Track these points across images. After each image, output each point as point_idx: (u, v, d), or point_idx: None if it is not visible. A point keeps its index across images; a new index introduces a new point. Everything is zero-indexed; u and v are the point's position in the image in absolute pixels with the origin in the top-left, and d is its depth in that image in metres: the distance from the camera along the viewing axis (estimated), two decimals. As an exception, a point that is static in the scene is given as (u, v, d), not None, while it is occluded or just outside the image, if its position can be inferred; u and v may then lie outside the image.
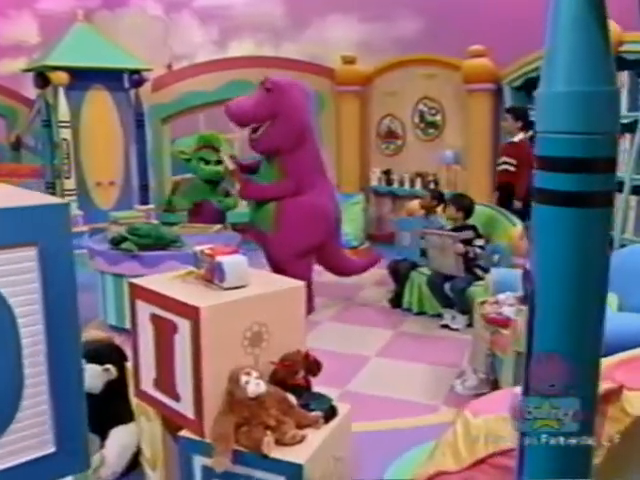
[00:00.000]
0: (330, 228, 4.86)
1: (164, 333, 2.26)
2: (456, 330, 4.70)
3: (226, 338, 2.17)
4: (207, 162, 5.87)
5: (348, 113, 7.66)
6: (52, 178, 7.06)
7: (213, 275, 2.31)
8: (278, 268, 4.63)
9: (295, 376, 2.31)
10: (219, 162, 5.80)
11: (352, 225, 7.11)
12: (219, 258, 2.30)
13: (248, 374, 2.13)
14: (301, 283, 2.43)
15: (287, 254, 4.70)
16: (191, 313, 2.12)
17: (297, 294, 2.42)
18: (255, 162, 5.03)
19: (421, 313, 5.07)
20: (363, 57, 7.57)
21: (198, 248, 2.43)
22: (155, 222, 6.55)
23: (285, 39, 8.30)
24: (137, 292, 2.41)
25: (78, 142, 6.81)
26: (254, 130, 4.63)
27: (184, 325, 2.16)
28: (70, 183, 6.68)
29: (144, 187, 7.29)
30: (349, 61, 7.54)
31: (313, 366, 2.36)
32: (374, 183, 7.64)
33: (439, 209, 5.41)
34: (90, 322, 4.83)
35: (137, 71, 7.03)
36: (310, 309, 4.80)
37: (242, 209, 7.34)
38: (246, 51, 8.24)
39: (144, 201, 7.20)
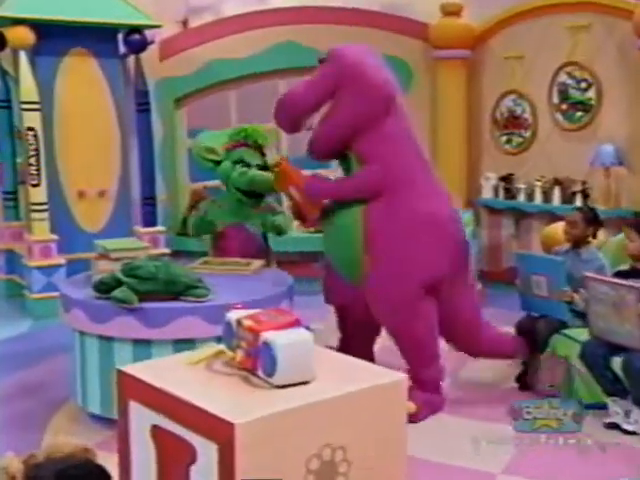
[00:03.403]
0: (456, 252, 4.69)
1: (174, 460, 2.16)
2: (633, 434, 4.45)
3: (278, 472, 2.05)
4: (247, 166, 5.66)
5: (449, 90, 7.65)
6: (13, 185, 7.06)
7: (256, 362, 2.20)
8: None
9: (392, 538, 2.16)
10: (263, 168, 5.60)
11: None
12: (267, 335, 2.15)
13: (314, 537, 2.02)
14: (401, 376, 2.30)
15: (395, 296, 4.52)
16: (220, 431, 2.02)
17: (396, 394, 2.27)
18: None
19: (571, 402, 4.85)
20: (472, 6, 7.52)
21: (233, 315, 2.28)
22: (165, 251, 6.48)
23: (351, -20, 8.27)
24: (130, 387, 2.27)
25: (51, 132, 6.80)
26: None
27: (207, 450, 2.05)
28: (39, 193, 6.61)
29: (149, 200, 7.27)
30: (452, 12, 7.52)
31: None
32: (487, 195, 7.61)
33: (596, 238, 5.18)
34: (59, 408, 4.72)
35: (138, 28, 7.00)
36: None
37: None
38: (295, 0, 8.21)
39: (149, 221, 7.18)
